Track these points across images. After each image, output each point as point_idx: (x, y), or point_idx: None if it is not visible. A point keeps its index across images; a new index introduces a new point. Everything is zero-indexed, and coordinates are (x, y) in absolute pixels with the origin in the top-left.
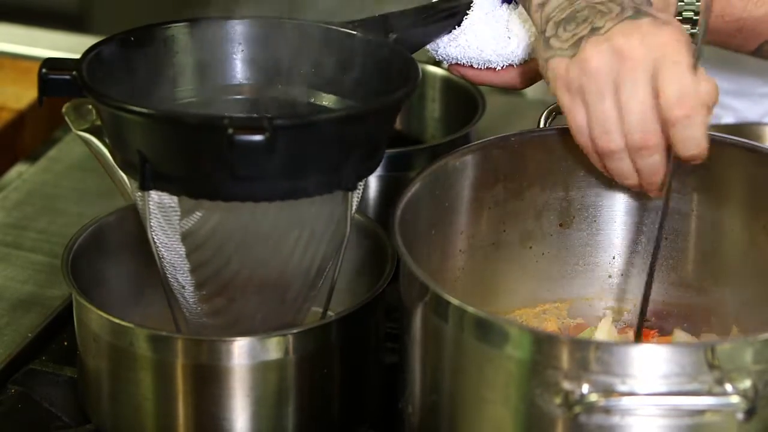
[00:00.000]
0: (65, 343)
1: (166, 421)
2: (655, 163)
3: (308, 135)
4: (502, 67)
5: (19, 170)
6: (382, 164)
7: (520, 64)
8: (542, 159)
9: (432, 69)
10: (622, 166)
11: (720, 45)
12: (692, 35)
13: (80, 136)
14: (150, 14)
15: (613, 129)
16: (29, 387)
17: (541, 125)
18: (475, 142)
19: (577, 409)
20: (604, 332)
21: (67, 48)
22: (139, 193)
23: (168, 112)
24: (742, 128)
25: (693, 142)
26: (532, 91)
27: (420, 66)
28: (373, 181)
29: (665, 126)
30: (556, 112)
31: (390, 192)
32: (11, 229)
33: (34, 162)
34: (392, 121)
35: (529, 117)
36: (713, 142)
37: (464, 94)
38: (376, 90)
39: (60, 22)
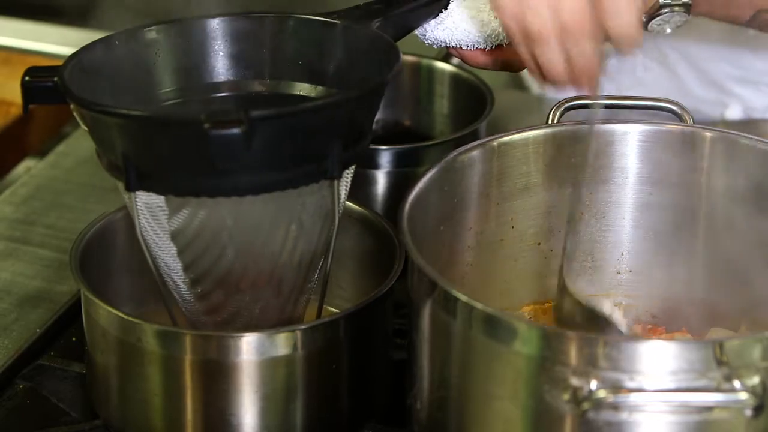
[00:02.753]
0: (73, 339)
1: (174, 416)
2: (586, 52)
3: (286, 125)
4: (491, 47)
5: (27, 165)
6: (390, 160)
7: (510, 43)
8: (551, 155)
9: (440, 65)
10: (552, 55)
11: (715, 16)
12: (684, 5)
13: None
14: (156, 9)
15: (545, 11)
16: (37, 382)
17: (551, 121)
18: (484, 138)
19: (586, 405)
20: None
21: (75, 43)
22: (127, 195)
23: (145, 112)
24: (751, 124)
25: (623, 28)
26: (540, 87)
27: (428, 61)
28: (381, 177)
29: (598, 13)
30: (566, 107)
31: (398, 188)
32: (19, 225)
33: (43, 157)
34: (374, 107)
35: (539, 113)
36: (722, 139)
37: (473, 90)
38: (360, 78)
39: (69, 17)
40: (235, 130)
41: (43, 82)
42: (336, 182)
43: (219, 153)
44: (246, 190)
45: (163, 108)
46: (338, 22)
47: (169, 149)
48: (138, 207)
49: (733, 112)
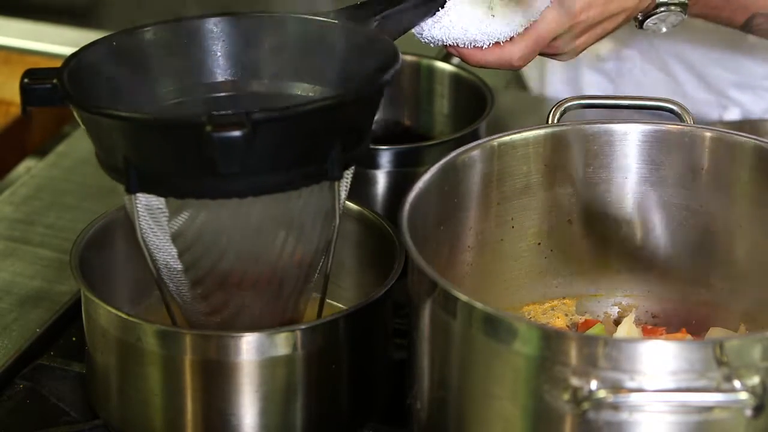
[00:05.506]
0: (73, 339)
1: (174, 416)
2: None
3: (287, 127)
4: (488, 45)
5: (27, 165)
6: (390, 160)
7: (507, 41)
8: (551, 155)
9: (441, 65)
10: None
11: (710, 19)
12: (681, 4)
13: None
14: (157, 8)
15: None
16: (37, 382)
17: (551, 121)
18: (484, 138)
19: (586, 405)
20: (625, 331)
21: (75, 43)
22: (127, 197)
23: (147, 115)
24: (748, 124)
25: None
26: (541, 87)
27: (429, 61)
28: (381, 177)
29: None
30: (566, 107)
31: (398, 188)
32: (19, 225)
33: (43, 157)
34: (374, 108)
35: (538, 113)
36: (721, 139)
37: (473, 90)
38: (359, 78)
39: (69, 17)
40: (237, 133)
41: (42, 85)
42: (336, 183)
43: (221, 155)
44: (247, 191)
45: (164, 109)
46: (336, 21)
47: (170, 151)
48: (138, 209)
49: (732, 116)
